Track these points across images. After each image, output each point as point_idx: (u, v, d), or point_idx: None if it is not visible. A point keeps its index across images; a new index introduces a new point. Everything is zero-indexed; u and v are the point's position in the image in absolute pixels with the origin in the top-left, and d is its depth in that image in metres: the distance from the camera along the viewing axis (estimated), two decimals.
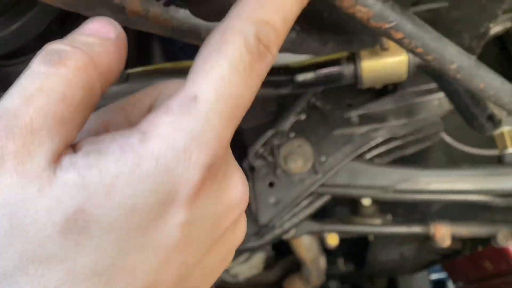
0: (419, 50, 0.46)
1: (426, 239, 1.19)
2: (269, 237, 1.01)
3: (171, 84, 0.29)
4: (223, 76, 0.24)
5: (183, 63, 0.49)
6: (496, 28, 0.92)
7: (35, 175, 0.21)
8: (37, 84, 0.22)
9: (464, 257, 3.32)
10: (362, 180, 0.84)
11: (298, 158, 0.85)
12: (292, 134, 0.88)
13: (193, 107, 0.23)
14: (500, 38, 1.14)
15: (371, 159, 0.88)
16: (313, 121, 0.88)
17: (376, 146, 0.88)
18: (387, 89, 0.86)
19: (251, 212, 0.87)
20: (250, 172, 0.87)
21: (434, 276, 4.34)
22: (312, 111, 0.89)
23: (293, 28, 0.47)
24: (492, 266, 3.09)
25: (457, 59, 0.49)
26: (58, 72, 0.23)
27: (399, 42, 0.44)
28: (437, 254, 2.24)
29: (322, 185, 0.86)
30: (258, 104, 0.91)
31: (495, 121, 0.70)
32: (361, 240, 1.73)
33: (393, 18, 0.42)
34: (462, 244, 2.08)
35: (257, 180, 0.87)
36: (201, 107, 0.23)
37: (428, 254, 2.24)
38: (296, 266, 2.05)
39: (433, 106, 0.83)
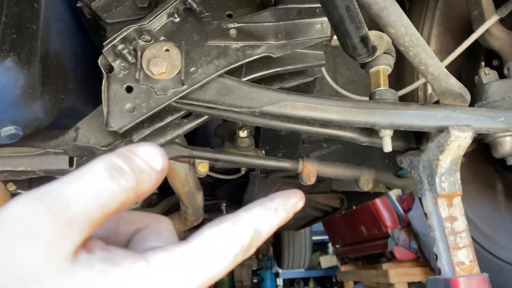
0: None
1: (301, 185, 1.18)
2: None
3: (161, 222, 0.38)
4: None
5: None
6: None
7: (57, 261, 0.28)
8: (95, 187, 0.30)
9: (343, 220, 3.53)
10: (229, 99, 0.77)
11: (163, 63, 0.75)
12: (161, 37, 0.78)
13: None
14: None
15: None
16: (187, 26, 0.79)
17: (253, 67, 0.82)
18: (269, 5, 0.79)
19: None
20: (106, 72, 0.76)
21: (316, 238, 4.58)
22: (187, 14, 0.79)
23: None
24: (367, 231, 3.31)
25: None
26: (112, 187, 0.30)
27: None
28: (317, 210, 2.31)
29: (187, 99, 0.78)
30: None
31: (368, 45, 0.66)
32: (243, 185, 1.70)
33: None
34: (340, 203, 2.17)
35: (113, 82, 0.76)
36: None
37: (309, 210, 2.30)
38: (178, 207, 2.00)
39: (314, 30, 0.77)
